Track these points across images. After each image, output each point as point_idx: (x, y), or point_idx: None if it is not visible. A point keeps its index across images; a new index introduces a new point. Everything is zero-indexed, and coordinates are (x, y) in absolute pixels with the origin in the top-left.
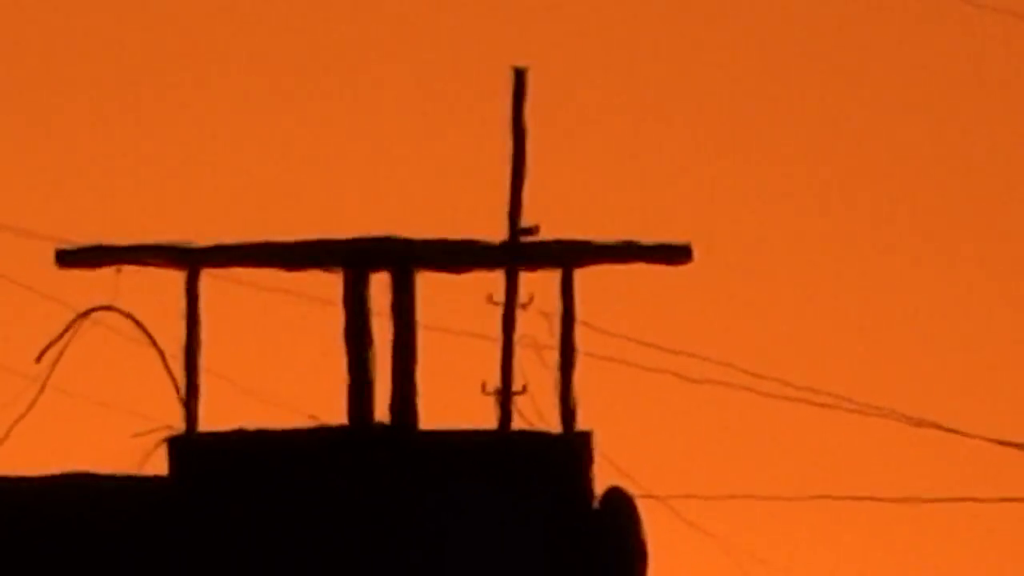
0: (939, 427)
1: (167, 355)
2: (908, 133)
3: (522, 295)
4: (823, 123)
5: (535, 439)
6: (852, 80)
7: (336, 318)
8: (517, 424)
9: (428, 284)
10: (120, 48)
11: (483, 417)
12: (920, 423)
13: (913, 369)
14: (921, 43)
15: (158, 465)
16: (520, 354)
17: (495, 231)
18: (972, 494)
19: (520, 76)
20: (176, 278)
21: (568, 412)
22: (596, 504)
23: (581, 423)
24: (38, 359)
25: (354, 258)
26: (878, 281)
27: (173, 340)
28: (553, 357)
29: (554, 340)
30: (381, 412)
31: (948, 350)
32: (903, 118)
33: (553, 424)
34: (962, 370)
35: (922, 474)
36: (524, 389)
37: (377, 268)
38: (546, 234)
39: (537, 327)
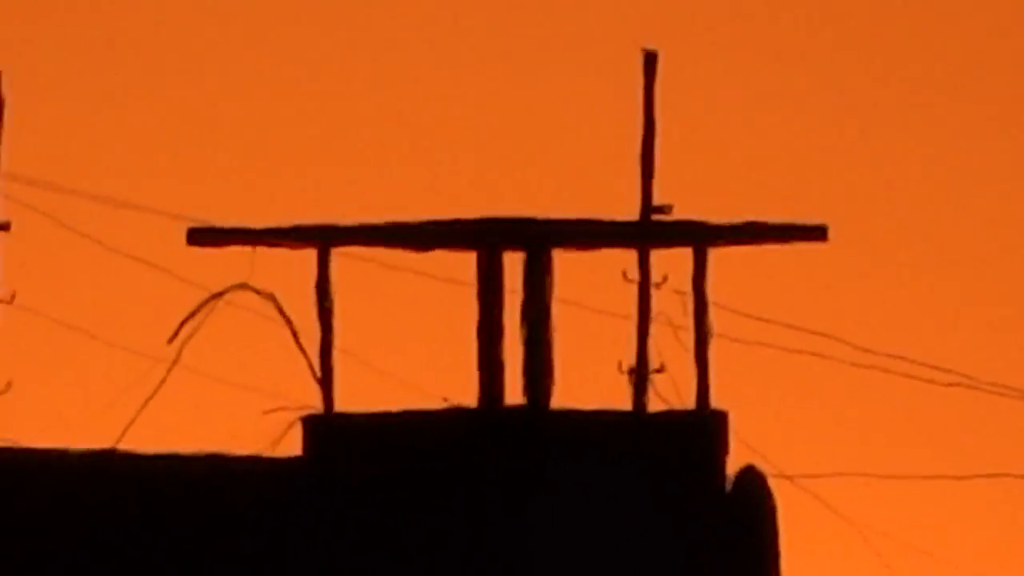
0: None
1: (302, 337)
2: None
3: (657, 274)
4: (961, 107)
5: (670, 419)
6: (989, 66)
7: (469, 298)
8: (652, 403)
9: (562, 262)
10: (256, 37)
11: (619, 396)
12: None
13: None
14: None
15: (292, 445)
16: (656, 333)
17: (630, 210)
18: None
19: (651, 58)
20: (308, 258)
21: (704, 392)
22: (730, 484)
23: (716, 403)
24: (170, 340)
25: (488, 237)
26: (1013, 260)
27: (305, 320)
28: (689, 337)
29: (689, 320)
30: (514, 392)
31: None
32: None
33: (688, 404)
34: None
35: None
36: (662, 368)
37: (511, 247)
38: (680, 213)
39: (672, 306)
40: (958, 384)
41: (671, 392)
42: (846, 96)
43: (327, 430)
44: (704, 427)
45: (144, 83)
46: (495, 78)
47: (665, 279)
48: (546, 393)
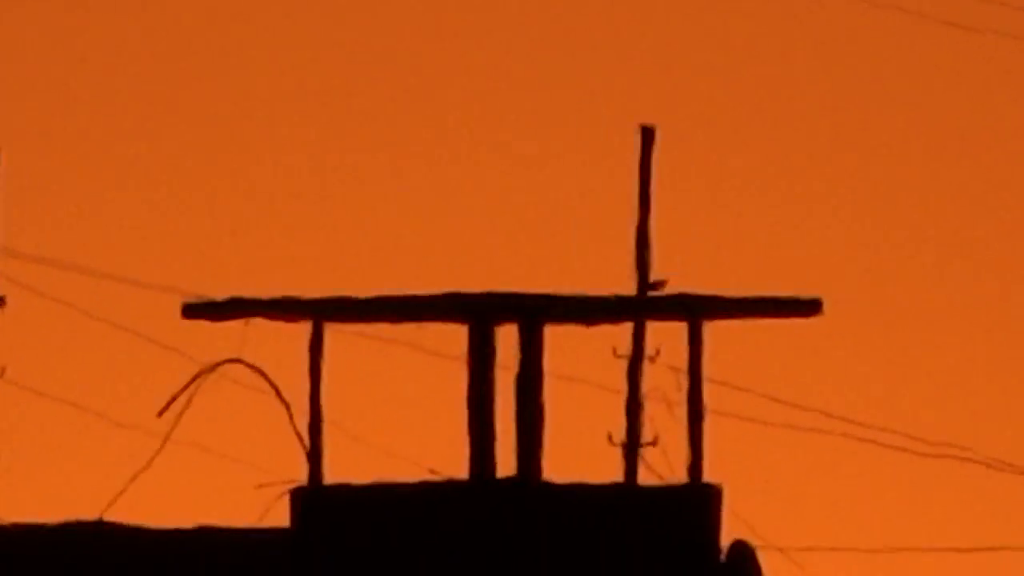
0: None
1: (292, 408)
2: None
3: (650, 349)
4: (953, 183)
5: (663, 492)
6: (981, 142)
7: (460, 372)
8: (644, 477)
9: (554, 336)
10: (249, 110)
11: (609, 470)
12: None
13: None
14: None
15: (281, 517)
16: (649, 407)
17: (623, 286)
18: None
19: (648, 134)
20: (301, 332)
21: (697, 465)
22: (722, 557)
23: (710, 477)
24: (160, 413)
25: (482, 311)
26: (1007, 336)
27: (297, 393)
28: (681, 411)
29: (682, 395)
30: (504, 466)
31: None
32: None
33: (680, 477)
34: None
35: None
36: (655, 441)
37: (504, 321)
38: (674, 288)
39: (666, 381)
40: (949, 456)
41: (663, 466)
42: (840, 170)
43: (315, 502)
44: (698, 500)
45: (138, 159)
46: (491, 152)
47: (658, 352)
48: (537, 465)
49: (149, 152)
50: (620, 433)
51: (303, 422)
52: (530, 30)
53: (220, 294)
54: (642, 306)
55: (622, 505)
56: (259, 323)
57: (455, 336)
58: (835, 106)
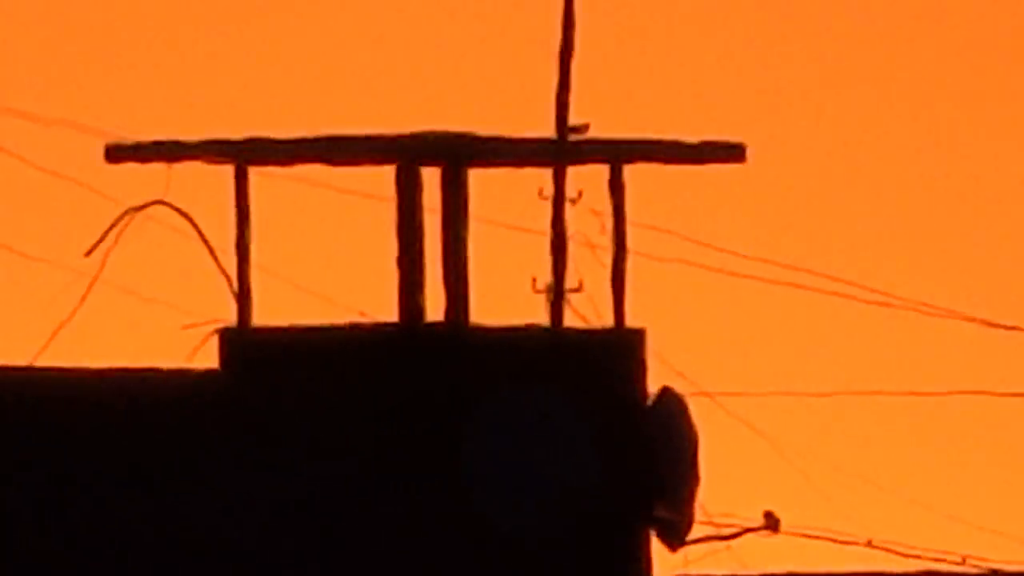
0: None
1: (219, 252)
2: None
3: (572, 191)
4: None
5: (588, 336)
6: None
7: (387, 214)
8: (570, 321)
9: (479, 179)
10: None
11: (536, 314)
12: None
13: (984, 272)
14: None
15: (209, 358)
16: (574, 251)
17: (546, 128)
18: None
19: None
20: (226, 174)
21: (621, 310)
22: (649, 403)
23: (634, 321)
24: (87, 253)
25: (406, 153)
26: (939, 179)
27: (224, 237)
28: (607, 255)
29: (606, 238)
30: (433, 308)
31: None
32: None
33: (606, 322)
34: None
35: (991, 371)
36: (580, 286)
37: (429, 163)
38: (597, 132)
39: (589, 225)
40: (880, 303)
41: (589, 310)
42: (763, 9)
43: (243, 343)
44: (622, 344)
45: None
46: None
47: (580, 194)
48: (465, 309)
49: None
50: (545, 277)
51: (231, 264)
52: None
53: (144, 137)
54: (562, 149)
55: (547, 349)
56: (184, 166)
57: (382, 177)
58: None
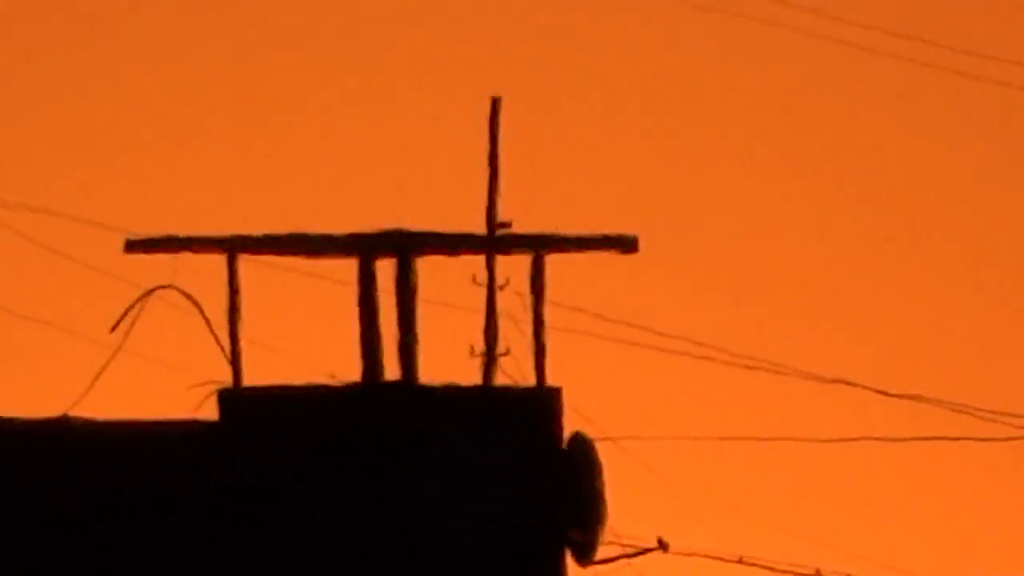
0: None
1: (216, 326)
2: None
3: (501, 277)
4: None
5: (514, 392)
6: (787, 90)
7: (351, 295)
8: (500, 381)
9: (425, 267)
10: (190, 56)
11: (472, 374)
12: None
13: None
14: None
15: (209, 412)
16: (503, 324)
17: (479, 225)
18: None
19: (496, 103)
20: (220, 262)
21: (541, 371)
22: (564, 445)
23: (552, 380)
24: (112, 329)
25: (365, 247)
26: (802, 260)
27: (222, 314)
28: (529, 328)
29: (529, 314)
30: (389, 370)
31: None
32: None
33: (529, 381)
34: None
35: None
36: (508, 351)
37: (384, 255)
38: (522, 227)
39: (515, 304)
40: (742, 365)
41: (515, 372)
42: (661, 118)
43: (237, 400)
44: (542, 399)
45: (89, 107)
46: (373, 115)
47: (508, 281)
48: (414, 371)
49: (99, 100)
50: (479, 345)
51: (225, 336)
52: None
53: (156, 232)
54: (493, 242)
55: (482, 403)
56: (187, 256)
57: (347, 266)
58: (659, 66)
